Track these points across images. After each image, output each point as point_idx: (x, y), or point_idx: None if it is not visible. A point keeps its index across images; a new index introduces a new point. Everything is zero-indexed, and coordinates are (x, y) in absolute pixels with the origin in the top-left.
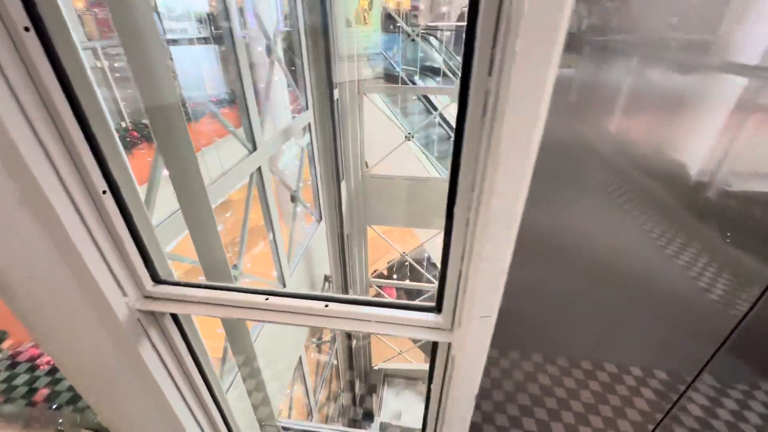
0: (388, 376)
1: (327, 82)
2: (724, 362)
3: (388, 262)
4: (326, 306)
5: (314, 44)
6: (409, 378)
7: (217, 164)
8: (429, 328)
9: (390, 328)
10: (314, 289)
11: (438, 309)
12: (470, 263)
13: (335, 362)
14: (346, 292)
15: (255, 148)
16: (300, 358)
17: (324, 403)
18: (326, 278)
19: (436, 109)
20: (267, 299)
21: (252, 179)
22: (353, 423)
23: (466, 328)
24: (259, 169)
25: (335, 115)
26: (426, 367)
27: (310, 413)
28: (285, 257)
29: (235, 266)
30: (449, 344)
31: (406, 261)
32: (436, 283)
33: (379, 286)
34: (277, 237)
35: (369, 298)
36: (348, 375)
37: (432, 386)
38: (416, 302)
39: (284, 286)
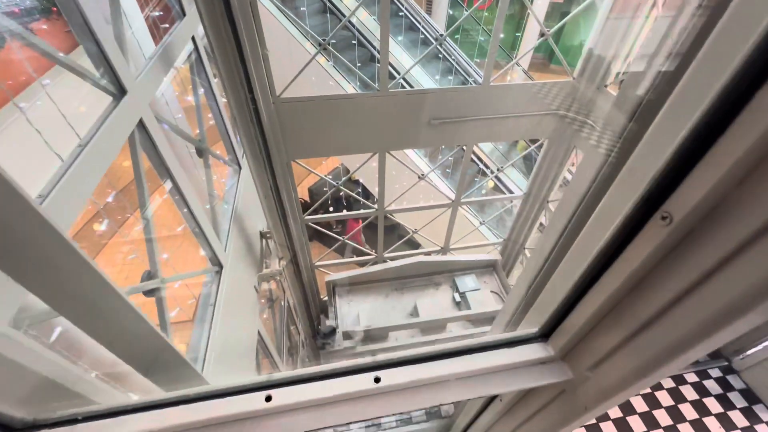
0: (337, 287)
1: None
2: None
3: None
4: (377, 381)
5: None
6: (353, 283)
7: (49, 127)
8: (536, 365)
9: (480, 386)
10: (253, 253)
11: (545, 335)
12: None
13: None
14: (291, 246)
15: (123, 90)
16: (258, 331)
17: (291, 353)
18: (263, 235)
19: (342, 13)
20: (269, 400)
21: (135, 141)
22: (322, 347)
23: (617, 379)
24: (141, 123)
25: (235, 21)
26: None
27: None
28: (212, 231)
29: (148, 274)
30: (562, 385)
31: (325, 186)
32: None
33: (322, 225)
34: (196, 211)
35: (435, 348)
36: (305, 317)
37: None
38: (506, 336)
39: (221, 267)
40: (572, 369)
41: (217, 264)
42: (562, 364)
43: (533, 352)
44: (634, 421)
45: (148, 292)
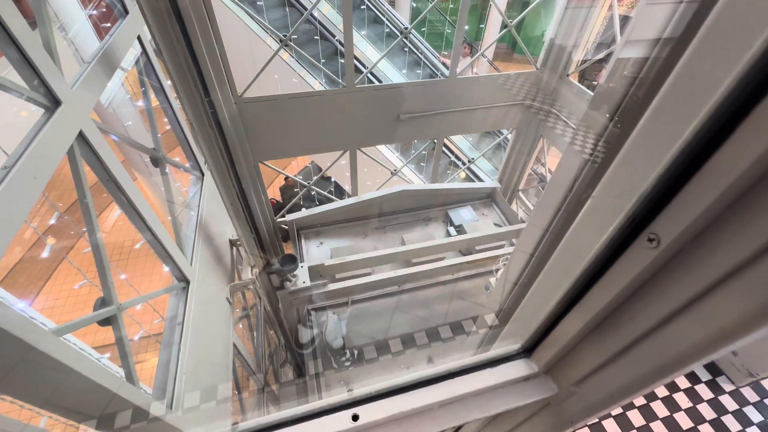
0: (302, 230)
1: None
2: None
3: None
4: (355, 419)
5: None
6: (325, 224)
7: None
8: (520, 382)
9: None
10: (224, 263)
11: (527, 351)
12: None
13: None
14: (263, 253)
15: (57, 101)
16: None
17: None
18: (233, 243)
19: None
20: None
21: (74, 156)
22: (280, 286)
23: (600, 394)
24: (82, 135)
25: (184, 19)
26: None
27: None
28: (174, 246)
29: (102, 302)
30: (546, 400)
31: (296, 187)
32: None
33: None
34: (154, 226)
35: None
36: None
37: None
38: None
39: (188, 282)
40: (557, 383)
41: (183, 279)
42: (547, 379)
43: (517, 369)
44: None
45: (103, 322)
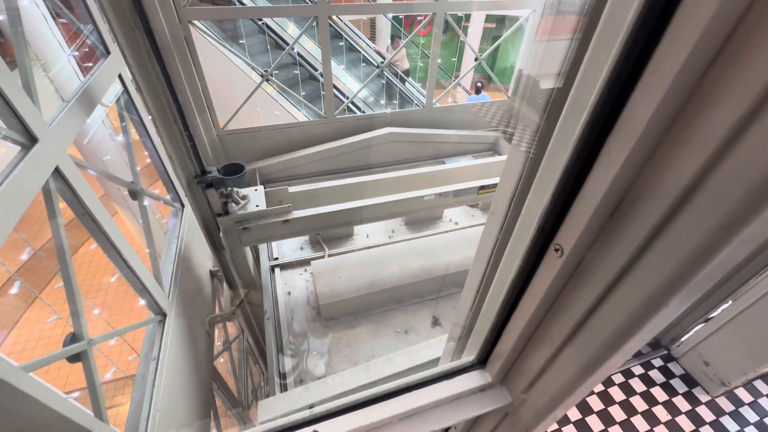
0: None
1: (132, 4)
2: None
3: None
4: None
5: None
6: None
7: None
8: (477, 393)
9: (425, 422)
10: (204, 295)
11: (482, 362)
12: (592, 321)
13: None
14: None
15: (34, 139)
16: (213, 380)
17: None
18: (213, 275)
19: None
20: None
21: (50, 192)
22: (224, 211)
23: (548, 398)
24: (58, 171)
25: (164, 59)
26: None
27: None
28: (151, 278)
29: (72, 337)
30: (504, 409)
31: None
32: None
33: None
34: (131, 259)
35: (375, 390)
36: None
37: None
38: (447, 368)
39: (165, 315)
40: (511, 393)
41: (160, 313)
42: (502, 389)
43: (473, 380)
44: (592, 420)
45: (73, 358)
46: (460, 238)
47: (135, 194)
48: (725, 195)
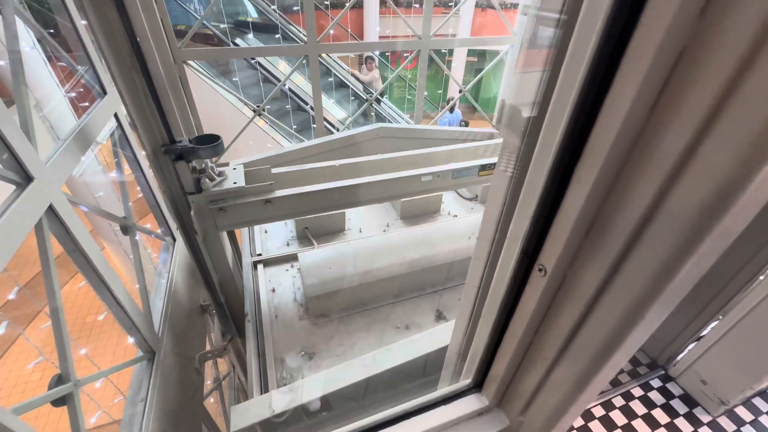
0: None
1: (131, 47)
2: None
3: None
4: None
5: None
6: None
7: None
8: (475, 417)
9: None
10: (194, 331)
11: (478, 386)
12: (577, 339)
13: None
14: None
15: (30, 178)
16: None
17: None
18: (204, 309)
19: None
20: None
21: (42, 230)
22: (196, 189)
23: (545, 419)
24: (52, 208)
25: (158, 97)
26: None
27: None
28: (140, 315)
29: (58, 378)
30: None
31: None
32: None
33: None
34: (120, 296)
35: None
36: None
37: None
38: (442, 393)
39: (154, 353)
40: (508, 416)
41: (149, 351)
42: (499, 412)
43: (470, 404)
44: None
45: (57, 401)
46: (464, 227)
47: (127, 229)
48: (681, 213)
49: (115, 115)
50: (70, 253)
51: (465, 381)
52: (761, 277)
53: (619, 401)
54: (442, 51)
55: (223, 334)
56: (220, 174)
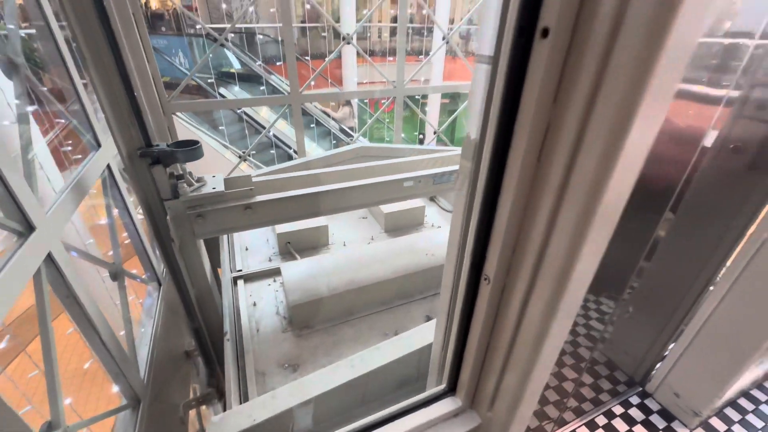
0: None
1: (128, 102)
2: None
3: None
4: None
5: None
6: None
7: None
8: (450, 418)
9: None
10: (180, 377)
11: (451, 389)
12: (520, 334)
13: None
14: (215, 363)
15: (32, 227)
16: None
17: None
18: (188, 355)
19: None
20: None
21: (41, 279)
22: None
23: (507, 411)
24: (50, 256)
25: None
26: None
27: None
28: (125, 362)
29: (48, 426)
30: (473, 430)
31: None
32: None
33: None
34: (108, 342)
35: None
36: None
37: None
38: (421, 398)
39: (139, 401)
40: (479, 414)
41: (134, 398)
42: (472, 412)
43: (446, 406)
44: None
45: None
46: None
47: (116, 275)
48: (567, 222)
49: (108, 166)
50: (63, 299)
51: (441, 386)
52: (711, 288)
53: (602, 420)
54: (416, 97)
55: (209, 380)
56: (198, 180)
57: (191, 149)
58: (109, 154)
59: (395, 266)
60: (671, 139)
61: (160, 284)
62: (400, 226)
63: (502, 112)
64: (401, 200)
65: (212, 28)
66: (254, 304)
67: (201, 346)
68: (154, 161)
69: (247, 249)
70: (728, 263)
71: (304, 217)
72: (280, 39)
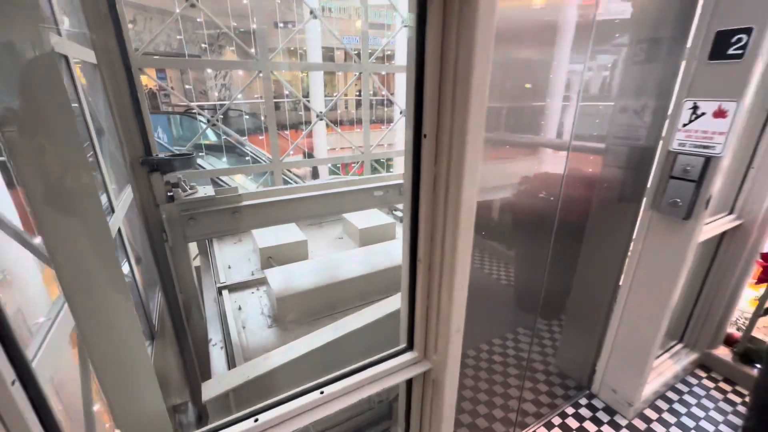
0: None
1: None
2: None
3: None
4: (322, 393)
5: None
6: None
7: None
8: (410, 366)
9: (379, 384)
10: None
11: (410, 346)
12: (441, 293)
13: None
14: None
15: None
16: None
17: None
18: (176, 409)
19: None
20: (256, 420)
21: None
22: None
23: (446, 351)
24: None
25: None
26: None
27: None
28: None
29: None
30: (426, 372)
31: None
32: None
33: None
34: None
35: (348, 369)
36: None
37: (412, 421)
38: (387, 353)
39: None
40: (429, 361)
41: None
42: (425, 360)
43: (406, 357)
44: None
45: None
46: None
47: None
48: (449, 214)
49: (119, 230)
50: None
51: (403, 344)
52: (618, 295)
53: (557, 420)
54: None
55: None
56: (191, 188)
57: (186, 158)
58: (117, 219)
59: (372, 264)
60: (577, 182)
61: (153, 338)
62: (374, 241)
63: (414, 168)
64: (371, 207)
65: (198, 106)
66: (239, 308)
67: (185, 363)
68: (153, 169)
69: (230, 267)
70: (623, 275)
71: (285, 222)
72: (261, 114)
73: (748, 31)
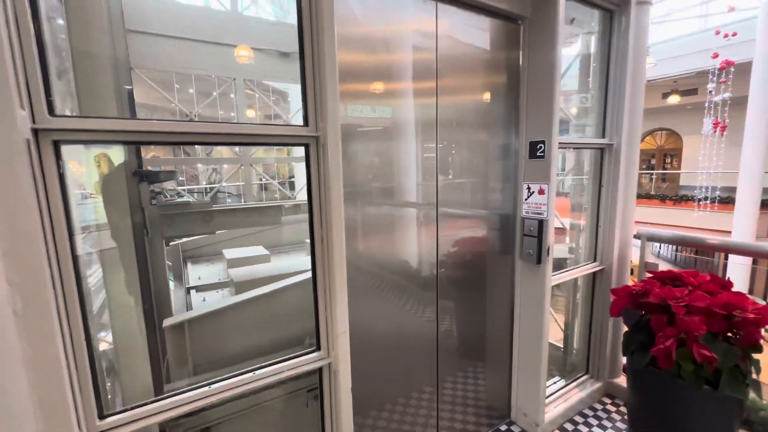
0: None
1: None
2: None
3: None
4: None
5: None
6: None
7: None
8: (317, 362)
9: (294, 371)
10: None
11: (318, 346)
12: (334, 303)
13: None
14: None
15: None
16: None
17: None
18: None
19: None
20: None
21: None
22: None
23: (337, 348)
24: None
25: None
26: None
27: None
28: None
29: None
30: (330, 364)
31: None
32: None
33: None
34: None
35: (274, 360)
36: None
37: (324, 408)
38: (299, 352)
39: None
40: (330, 356)
41: None
42: (327, 357)
43: (312, 357)
44: None
45: None
46: None
47: None
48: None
49: None
50: None
51: (311, 345)
52: (514, 326)
53: None
54: None
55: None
56: (172, 196)
57: (169, 171)
58: None
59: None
60: (468, 242)
61: None
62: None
63: (311, 230)
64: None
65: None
66: (203, 300)
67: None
68: (141, 179)
69: (200, 278)
70: (515, 311)
71: (250, 225)
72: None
73: (543, 142)
